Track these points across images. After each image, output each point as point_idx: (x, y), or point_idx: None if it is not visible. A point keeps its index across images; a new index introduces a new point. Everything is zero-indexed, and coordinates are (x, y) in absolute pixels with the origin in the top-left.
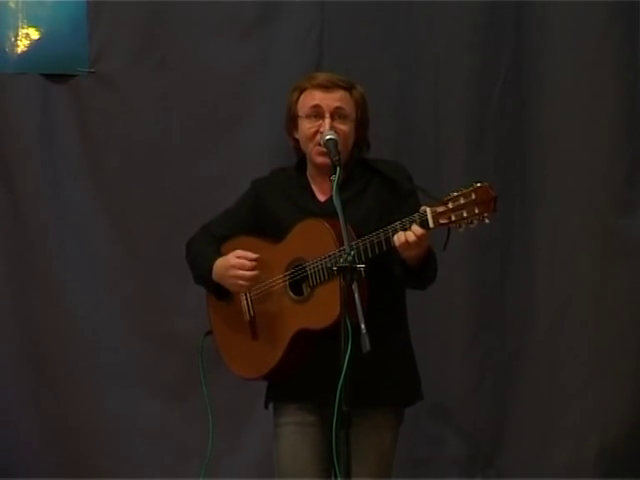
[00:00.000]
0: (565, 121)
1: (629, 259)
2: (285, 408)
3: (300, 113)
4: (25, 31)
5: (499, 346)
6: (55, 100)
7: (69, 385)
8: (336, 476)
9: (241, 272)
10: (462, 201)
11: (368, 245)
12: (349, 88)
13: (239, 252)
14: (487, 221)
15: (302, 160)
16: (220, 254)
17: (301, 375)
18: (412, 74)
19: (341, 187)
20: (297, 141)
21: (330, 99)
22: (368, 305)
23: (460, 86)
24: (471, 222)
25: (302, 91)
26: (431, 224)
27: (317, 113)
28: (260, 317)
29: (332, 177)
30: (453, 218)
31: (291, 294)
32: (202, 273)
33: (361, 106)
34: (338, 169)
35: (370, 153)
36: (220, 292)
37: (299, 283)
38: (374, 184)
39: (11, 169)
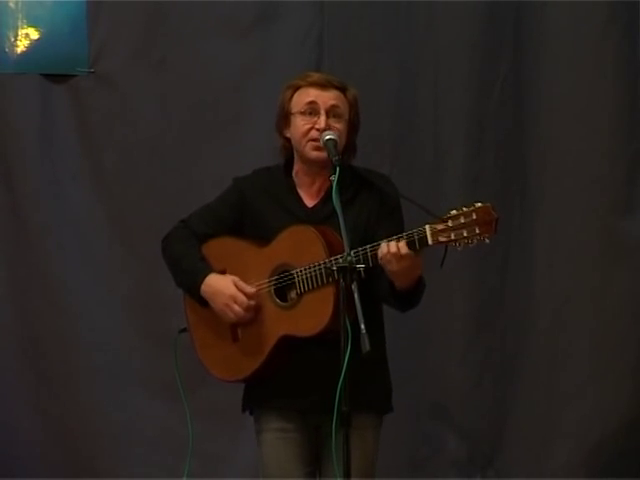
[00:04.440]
0: (565, 121)
1: (629, 259)
2: (267, 415)
3: (294, 110)
4: (25, 31)
5: (499, 346)
6: (55, 100)
7: (69, 385)
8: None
9: (237, 308)
10: (462, 220)
11: (361, 256)
12: (343, 89)
13: (239, 283)
14: (487, 241)
15: (289, 161)
16: (208, 263)
17: (282, 381)
18: (412, 74)
19: (331, 194)
20: (287, 140)
21: (326, 97)
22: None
23: (460, 86)
24: (471, 242)
25: (296, 89)
26: (430, 241)
27: (312, 110)
28: (242, 320)
29: (332, 177)
30: (453, 237)
31: (276, 300)
32: (188, 283)
33: (354, 107)
34: (338, 169)
35: (371, 153)
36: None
37: (282, 289)
38: (363, 194)
39: (11, 169)
